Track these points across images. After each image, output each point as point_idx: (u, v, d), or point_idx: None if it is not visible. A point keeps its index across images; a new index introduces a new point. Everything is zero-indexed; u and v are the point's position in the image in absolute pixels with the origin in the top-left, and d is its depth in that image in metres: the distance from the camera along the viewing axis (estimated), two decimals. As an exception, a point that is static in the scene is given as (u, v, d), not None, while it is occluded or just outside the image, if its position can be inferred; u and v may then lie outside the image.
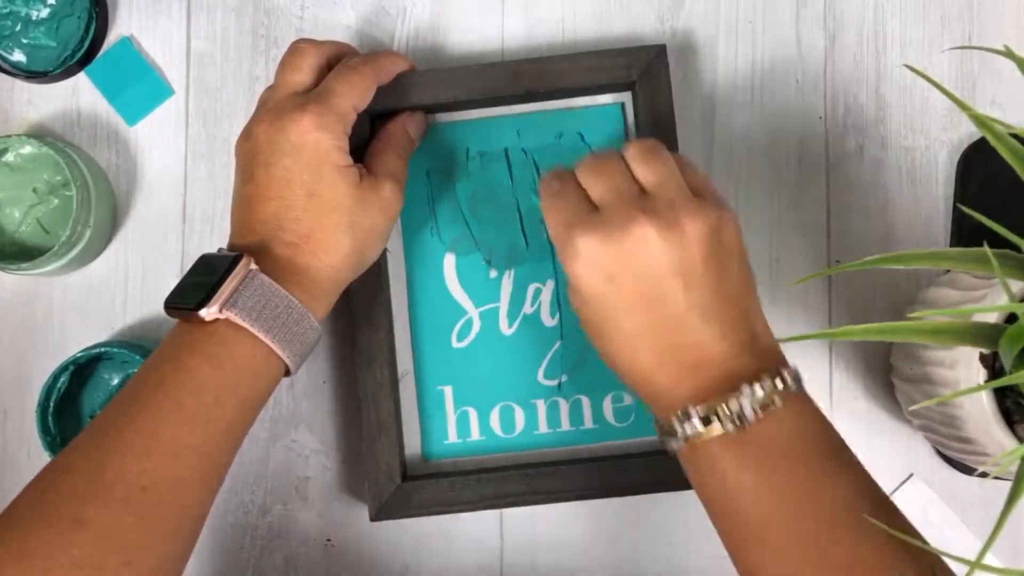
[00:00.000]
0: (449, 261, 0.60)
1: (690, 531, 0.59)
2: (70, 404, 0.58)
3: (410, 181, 0.59)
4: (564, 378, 0.60)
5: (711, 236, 0.46)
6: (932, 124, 0.61)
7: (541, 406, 0.60)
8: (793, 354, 0.54)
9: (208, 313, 0.46)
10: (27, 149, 0.58)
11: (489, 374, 0.60)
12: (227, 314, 0.47)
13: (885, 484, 0.59)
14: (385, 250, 0.58)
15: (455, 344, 0.60)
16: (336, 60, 0.55)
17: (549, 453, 0.60)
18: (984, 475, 0.57)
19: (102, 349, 0.57)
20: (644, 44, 0.60)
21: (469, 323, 0.60)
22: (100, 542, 0.43)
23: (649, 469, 0.57)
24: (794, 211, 0.61)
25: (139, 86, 0.61)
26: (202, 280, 0.48)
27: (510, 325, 0.60)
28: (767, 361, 0.46)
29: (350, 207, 0.50)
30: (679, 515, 0.59)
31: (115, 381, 0.59)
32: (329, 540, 0.60)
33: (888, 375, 0.58)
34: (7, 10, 0.60)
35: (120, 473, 0.44)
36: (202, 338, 0.47)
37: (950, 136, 0.61)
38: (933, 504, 0.59)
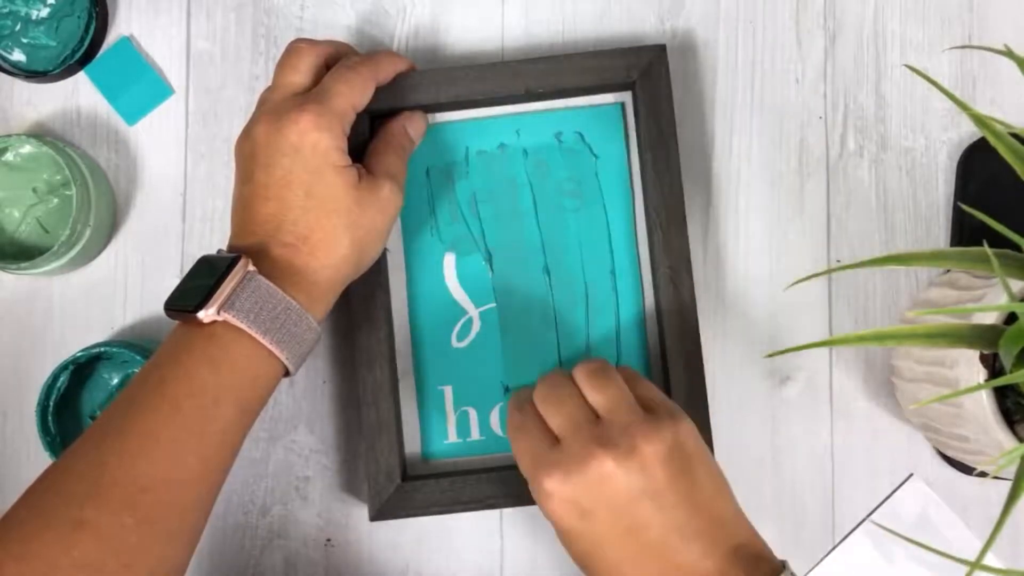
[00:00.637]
0: (449, 261, 0.60)
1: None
2: (70, 404, 0.58)
3: (410, 181, 0.59)
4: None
5: (671, 453, 0.47)
6: (932, 124, 0.61)
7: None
8: (793, 354, 0.54)
9: (206, 315, 0.46)
10: (27, 149, 0.58)
11: (489, 374, 0.60)
12: (225, 316, 0.47)
13: (885, 484, 0.59)
14: (385, 250, 0.58)
15: (455, 344, 0.60)
16: (334, 60, 0.55)
17: (549, 453, 0.60)
18: (984, 475, 0.57)
19: (102, 349, 0.57)
20: (644, 44, 0.60)
21: (469, 323, 0.60)
22: (100, 544, 0.43)
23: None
24: (794, 211, 0.61)
25: (139, 86, 0.61)
26: (201, 282, 0.48)
27: (510, 325, 0.60)
28: (759, 570, 0.46)
29: (348, 207, 0.50)
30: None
31: (115, 381, 0.59)
32: (329, 540, 0.60)
33: (888, 375, 0.58)
34: (7, 10, 0.59)
35: (119, 475, 0.44)
36: (200, 340, 0.47)
37: (950, 136, 0.61)
38: (933, 504, 0.59)
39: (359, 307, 0.57)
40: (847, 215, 0.61)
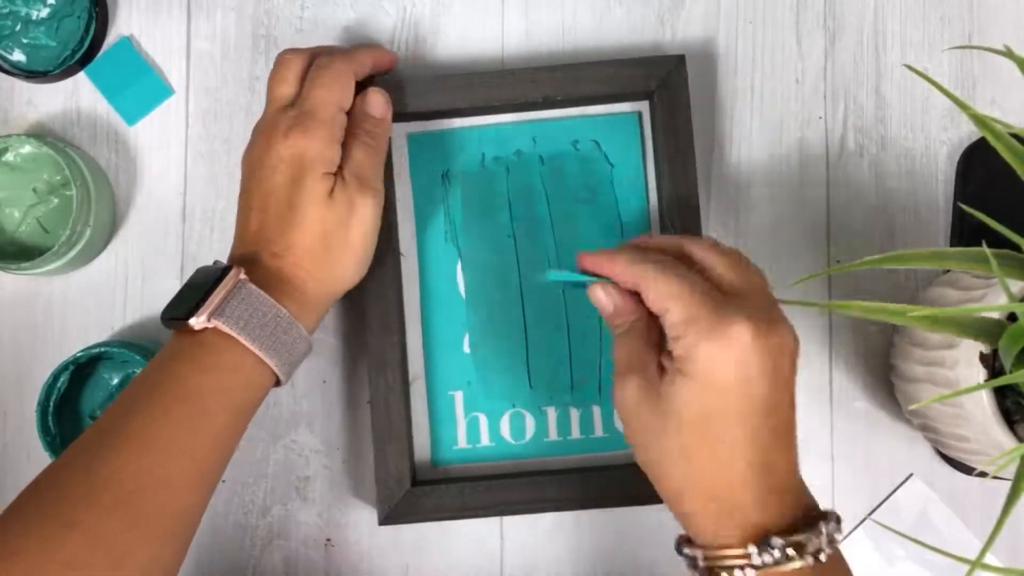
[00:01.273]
0: (462, 266, 0.60)
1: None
2: (70, 404, 0.58)
3: (425, 185, 0.59)
4: (576, 387, 0.60)
5: (795, 345, 0.46)
6: (932, 124, 0.61)
7: (552, 414, 0.60)
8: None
9: (197, 322, 0.47)
10: (27, 149, 0.58)
11: (500, 381, 0.60)
12: (215, 323, 0.47)
13: (885, 484, 0.60)
14: (399, 254, 0.58)
15: (467, 350, 0.60)
16: None
17: (559, 461, 0.60)
18: (983, 475, 0.57)
19: (102, 349, 0.57)
20: (663, 54, 0.60)
21: (481, 328, 0.60)
22: (90, 544, 0.43)
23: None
24: (794, 211, 0.61)
25: (139, 86, 0.61)
26: (194, 291, 0.49)
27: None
28: (808, 509, 0.45)
29: (322, 217, 0.51)
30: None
31: (115, 381, 0.59)
32: (329, 540, 0.60)
33: (888, 375, 0.58)
34: (7, 10, 0.60)
35: (110, 476, 0.44)
36: (193, 347, 0.48)
37: (950, 136, 0.61)
38: (933, 504, 0.59)
39: (372, 311, 0.57)
40: (847, 215, 0.61)
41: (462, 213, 0.60)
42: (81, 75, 0.61)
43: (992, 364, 0.47)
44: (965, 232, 0.60)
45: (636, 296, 0.48)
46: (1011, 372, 0.42)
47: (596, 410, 0.60)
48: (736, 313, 0.44)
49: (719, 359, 0.44)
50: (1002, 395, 0.47)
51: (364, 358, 0.58)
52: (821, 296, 0.60)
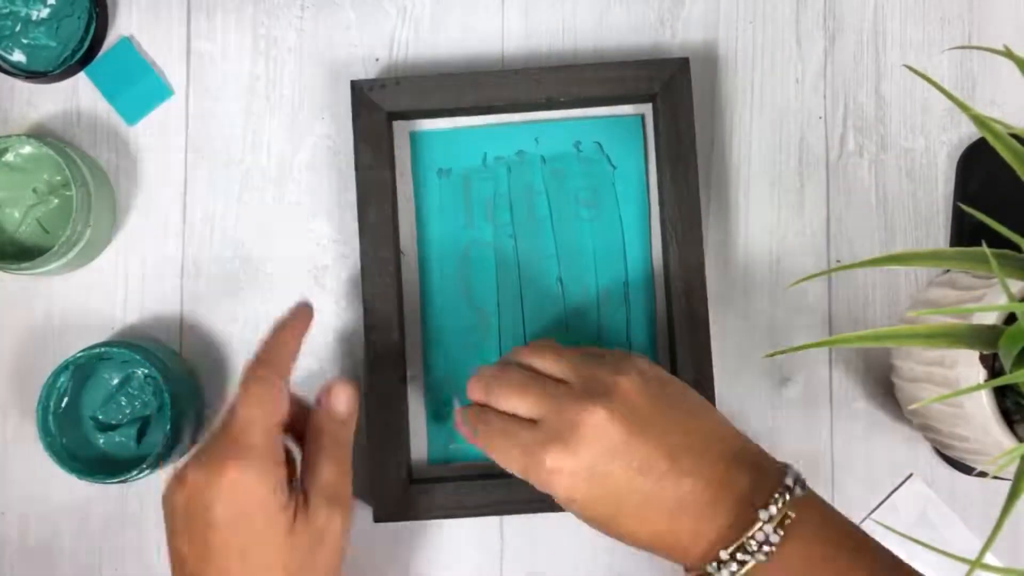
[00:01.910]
0: (462, 265, 0.60)
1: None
2: (70, 404, 0.58)
3: (426, 184, 0.60)
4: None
5: (644, 382, 0.48)
6: (932, 124, 0.61)
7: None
8: (793, 354, 0.54)
9: None
10: (27, 149, 0.58)
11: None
12: None
13: (885, 484, 0.60)
14: (399, 252, 0.58)
15: (466, 348, 0.60)
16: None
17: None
18: (984, 475, 0.57)
19: (102, 349, 0.57)
20: (664, 54, 0.60)
21: (481, 328, 0.60)
22: None
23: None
24: (794, 211, 0.61)
25: (139, 86, 0.61)
26: None
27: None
28: (767, 474, 0.47)
29: (284, 560, 0.46)
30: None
31: (115, 381, 0.59)
32: (329, 540, 0.60)
33: (888, 375, 0.58)
34: (7, 10, 0.60)
35: None
36: None
37: (950, 136, 0.61)
38: (933, 504, 0.59)
39: (371, 309, 0.57)
40: (847, 215, 0.61)
41: (463, 212, 0.60)
42: (81, 75, 0.61)
43: (992, 364, 0.47)
44: (965, 232, 0.60)
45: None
46: (1011, 372, 0.42)
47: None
48: (536, 452, 0.47)
49: (557, 491, 0.47)
50: (1002, 395, 0.47)
51: (362, 356, 0.58)
52: (821, 295, 0.60)
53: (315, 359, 0.60)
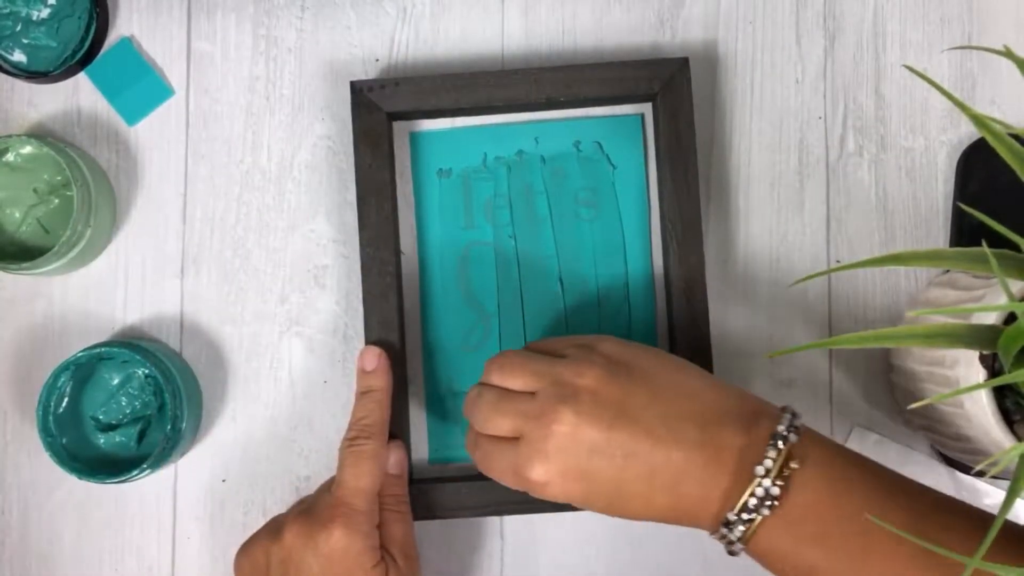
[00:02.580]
0: (463, 265, 0.60)
1: (685, 535, 0.59)
2: (70, 404, 0.58)
3: (426, 184, 0.60)
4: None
5: (607, 369, 0.47)
6: (932, 124, 0.61)
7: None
8: (793, 354, 0.54)
9: None
10: (27, 149, 0.58)
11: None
12: None
13: (885, 484, 0.59)
14: (399, 253, 0.59)
15: (465, 349, 0.60)
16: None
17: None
18: (982, 474, 0.57)
19: (102, 349, 0.57)
20: (664, 54, 0.60)
21: (480, 328, 0.60)
22: None
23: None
24: (794, 211, 0.61)
25: (139, 86, 0.61)
26: None
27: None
28: (759, 425, 0.46)
29: None
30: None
31: (115, 381, 0.59)
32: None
33: (888, 375, 0.58)
34: (7, 10, 0.60)
35: None
36: None
37: (950, 136, 0.61)
38: (933, 504, 0.59)
39: (371, 309, 0.57)
40: (847, 215, 0.61)
41: (463, 212, 0.60)
42: (81, 75, 0.61)
43: (992, 364, 0.47)
44: (965, 232, 0.60)
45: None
46: (1010, 372, 0.42)
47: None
48: (522, 468, 0.48)
49: (554, 498, 0.48)
50: (1002, 395, 0.47)
51: (364, 358, 0.59)
52: (821, 295, 0.60)
53: (316, 360, 0.60)
